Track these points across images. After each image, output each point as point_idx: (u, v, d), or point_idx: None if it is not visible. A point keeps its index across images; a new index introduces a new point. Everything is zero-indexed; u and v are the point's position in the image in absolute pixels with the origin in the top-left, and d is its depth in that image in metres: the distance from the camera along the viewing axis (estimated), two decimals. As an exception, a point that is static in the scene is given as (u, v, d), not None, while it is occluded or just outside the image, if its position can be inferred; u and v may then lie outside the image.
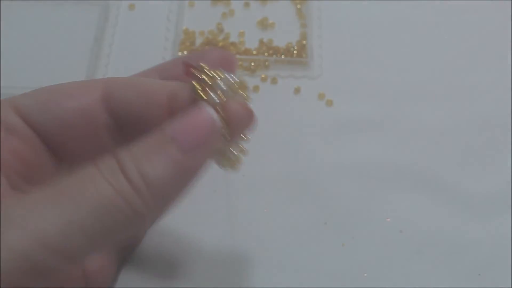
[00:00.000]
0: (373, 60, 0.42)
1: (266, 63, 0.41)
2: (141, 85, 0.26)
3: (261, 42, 0.42)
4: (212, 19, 0.44)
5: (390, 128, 0.39)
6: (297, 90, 0.41)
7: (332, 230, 0.34)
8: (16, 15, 0.43)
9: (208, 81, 0.25)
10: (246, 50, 0.42)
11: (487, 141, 0.38)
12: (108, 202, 0.22)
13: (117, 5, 0.44)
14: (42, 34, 0.42)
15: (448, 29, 0.43)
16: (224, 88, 0.25)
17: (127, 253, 0.33)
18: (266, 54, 0.42)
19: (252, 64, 0.41)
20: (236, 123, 0.25)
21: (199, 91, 0.25)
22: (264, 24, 0.44)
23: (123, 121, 0.26)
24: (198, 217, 0.35)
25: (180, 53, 0.42)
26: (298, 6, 0.45)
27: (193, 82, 0.25)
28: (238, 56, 0.42)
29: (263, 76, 0.41)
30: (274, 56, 0.42)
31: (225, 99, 0.25)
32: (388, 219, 0.35)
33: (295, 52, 0.42)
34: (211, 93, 0.25)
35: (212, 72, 0.25)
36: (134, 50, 0.42)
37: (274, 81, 0.41)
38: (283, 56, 0.42)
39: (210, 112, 0.24)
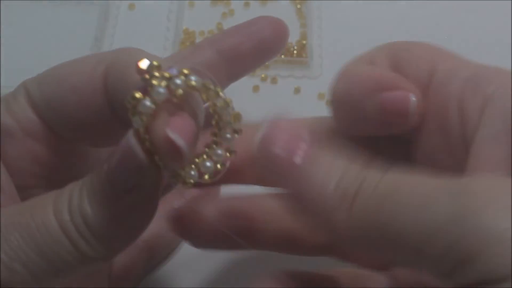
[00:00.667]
0: (373, 60, 0.42)
1: (266, 63, 0.41)
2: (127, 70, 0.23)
3: (261, 42, 0.42)
4: (212, 19, 0.44)
5: (390, 128, 0.39)
6: (297, 90, 0.41)
7: (332, 230, 0.34)
8: (16, 15, 0.43)
9: (153, 83, 0.20)
10: (246, 50, 0.42)
11: (487, 141, 0.38)
12: (53, 240, 0.21)
13: (117, 5, 0.44)
14: (42, 34, 0.42)
15: (448, 29, 0.43)
16: (161, 93, 0.19)
17: (154, 265, 0.32)
18: (266, 54, 0.42)
19: (252, 64, 0.41)
20: (161, 152, 0.20)
21: (129, 106, 0.20)
22: (264, 24, 0.44)
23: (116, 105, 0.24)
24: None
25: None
26: (298, 6, 0.45)
27: (135, 93, 0.20)
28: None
29: (263, 76, 0.41)
30: (274, 56, 0.42)
31: (147, 119, 0.20)
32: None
33: (295, 52, 0.42)
34: (143, 101, 0.19)
35: (165, 74, 0.20)
36: (134, 50, 0.42)
37: (274, 81, 0.41)
38: (283, 56, 0.42)
39: (129, 143, 0.20)
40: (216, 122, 0.21)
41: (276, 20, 0.29)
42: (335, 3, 0.45)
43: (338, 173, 0.19)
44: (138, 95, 0.19)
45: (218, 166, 0.22)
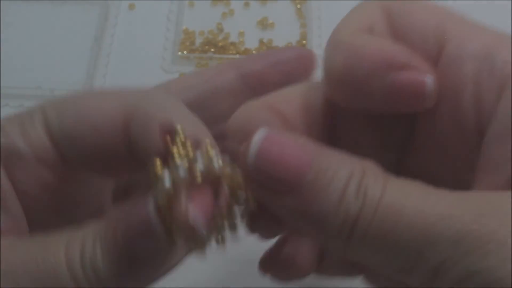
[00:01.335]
0: (373, 60, 0.42)
1: (266, 63, 0.41)
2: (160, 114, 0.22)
3: (261, 42, 0.42)
4: (212, 19, 0.44)
5: (390, 128, 0.39)
6: (297, 90, 0.41)
7: (332, 230, 0.34)
8: (16, 15, 0.43)
9: (175, 158, 0.19)
10: (246, 50, 0.42)
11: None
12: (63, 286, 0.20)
13: (117, 5, 0.44)
14: (42, 34, 0.42)
15: (448, 29, 0.43)
16: (183, 175, 0.18)
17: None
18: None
19: (252, 64, 0.41)
20: (180, 228, 0.19)
21: (152, 174, 0.19)
22: (264, 24, 0.44)
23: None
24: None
25: (180, 53, 0.42)
26: (298, 6, 0.45)
27: (157, 159, 0.19)
28: (238, 56, 0.42)
29: (263, 76, 0.41)
30: (274, 56, 0.42)
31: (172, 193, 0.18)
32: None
33: (295, 52, 0.42)
34: (162, 180, 0.18)
35: (188, 148, 0.19)
36: (134, 50, 0.42)
37: (274, 81, 0.41)
38: (283, 56, 0.42)
39: (147, 211, 0.19)
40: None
41: (303, 51, 0.28)
42: (335, 3, 0.45)
43: (340, 186, 0.17)
44: (159, 166, 0.19)
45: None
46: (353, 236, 0.17)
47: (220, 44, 0.42)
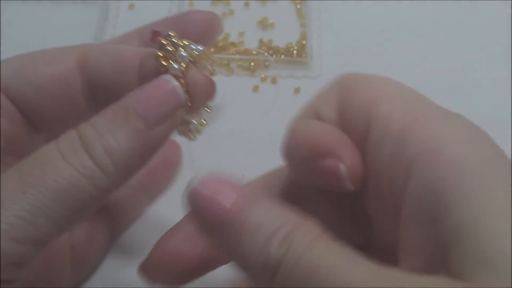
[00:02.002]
0: (373, 60, 0.42)
1: (266, 63, 0.41)
2: (115, 52, 0.26)
3: (261, 42, 0.42)
4: (212, 19, 0.44)
5: (390, 128, 0.39)
6: (297, 90, 0.41)
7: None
8: (16, 15, 0.43)
9: (171, 50, 0.25)
10: (246, 50, 0.42)
11: (487, 141, 0.38)
12: (70, 185, 0.22)
13: (117, 5, 0.44)
14: (42, 34, 0.42)
15: (448, 29, 0.43)
16: (185, 56, 0.25)
17: (118, 232, 0.33)
18: (266, 54, 0.42)
19: (252, 64, 0.41)
20: (196, 92, 0.25)
21: (160, 59, 0.25)
22: (264, 24, 0.44)
23: (98, 88, 0.26)
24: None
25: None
26: (298, 6, 0.45)
27: (157, 51, 0.25)
28: (238, 56, 0.42)
29: (263, 76, 0.41)
30: (274, 56, 0.42)
31: (185, 68, 0.25)
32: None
33: (295, 52, 0.42)
34: (172, 62, 0.24)
35: (177, 41, 0.25)
36: (134, 50, 0.42)
37: (274, 81, 0.41)
38: (283, 56, 0.42)
39: (174, 85, 0.24)
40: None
41: (207, 14, 0.30)
42: (335, 3, 0.45)
43: (267, 233, 0.19)
44: (167, 49, 0.25)
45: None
46: (275, 280, 0.19)
47: (220, 44, 0.42)
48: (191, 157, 0.32)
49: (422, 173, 0.19)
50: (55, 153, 0.22)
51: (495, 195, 0.18)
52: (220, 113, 0.39)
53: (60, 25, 0.43)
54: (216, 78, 0.41)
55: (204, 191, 0.20)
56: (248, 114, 0.39)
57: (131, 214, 0.33)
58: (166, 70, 0.25)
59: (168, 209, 0.35)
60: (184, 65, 0.25)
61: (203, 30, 0.31)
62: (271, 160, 0.37)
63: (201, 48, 0.25)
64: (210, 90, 0.25)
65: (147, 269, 0.26)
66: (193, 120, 0.26)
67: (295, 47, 0.42)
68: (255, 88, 0.41)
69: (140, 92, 0.24)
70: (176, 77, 0.24)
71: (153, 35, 0.25)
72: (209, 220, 0.20)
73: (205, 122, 0.27)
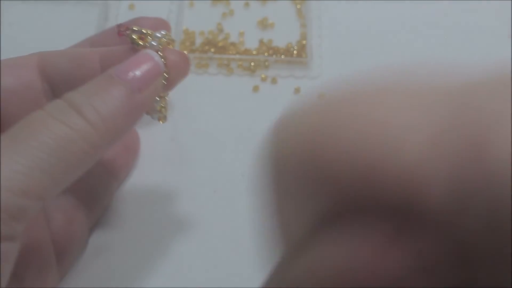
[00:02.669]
0: (373, 60, 0.42)
1: (266, 63, 0.41)
2: (72, 53, 0.28)
3: (261, 42, 0.42)
4: (212, 19, 0.44)
5: (390, 128, 0.39)
6: (297, 90, 0.41)
7: (332, 230, 0.34)
8: (16, 15, 0.43)
9: (145, 32, 0.27)
10: (246, 50, 0.42)
11: (487, 141, 0.38)
12: (64, 141, 0.23)
13: (117, 5, 0.44)
14: (42, 34, 0.42)
15: (448, 29, 0.43)
16: (159, 36, 0.27)
17: (94, 218, 0.33)
18: (266, 54, 0.42)
19: (252, 64, 0.41)
20: (174, 68, 0.27)
21: (137, 40, 0.27)
22: (264, 24, 0.44)
23: (59, 87, 0.28)
24: (198, 217, 0.35)
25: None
26: (298, 6, 0.45)
27: (132, 35, 0.27)
28: (238, 56, 0.42)
29: (263, 76, 0.41)
30: (274, 56, 0.42)
31: (161, 45, 0.27)
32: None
33: (295, 52, 0.42)
34: (151, 41, 0.27)
35: (144, 30, 0.28)
36: (134, 50, 0.42)
37: (274, 81, 0.41)
38: (283, 56, 0.42)
39: (153, 54, 0.27)
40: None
41: (155, 20, 0.32)
42: (335, 3, 0.45)
43: None
44: (142, 31, 0.28)
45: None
46: None
47: (220, 44, 0.42)
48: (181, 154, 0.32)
49: None
50: (43, 114, 0.24)
51: None
52: (220, 113, 0.39)
53: (60, 25, 0.43)
54: (216, 78, 0.42)
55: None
56: (248, 114, 0.39)
57: (103, 201, 0.34)
58: (143, 48, 0.27)
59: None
60: (161, 41, 0.27)
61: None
62: (271, 160, 0.37)
63: (165, 33, 0.28)
64: (185, 66, 0.28)
65: None
66: (156, 98, 0.28)
67: (295, 47, 0.42)
68: (255, 88, 0.41)
69: (123, 64, 0.26)
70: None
71: (119, 28, 0.28)
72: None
73: (166, 105, 0.29)
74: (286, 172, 0.17)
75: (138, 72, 0.26)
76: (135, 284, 0.32)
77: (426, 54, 0.42)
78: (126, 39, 0.28)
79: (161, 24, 0.32)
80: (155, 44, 0.27)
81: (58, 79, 0.28)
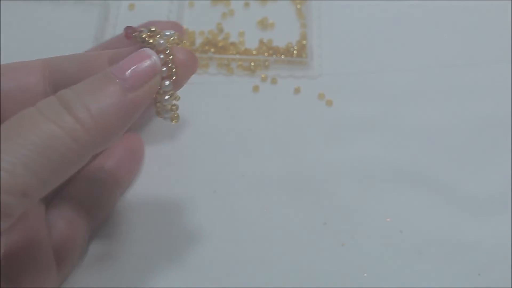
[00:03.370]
0: (373, 60, 0.42)
1: (266, 63, 0.41)
2: (79, 56, 0.28)
3: (261, 42, 0.42)
4: (212, 19, 0.44)
5: (390, 128, 0.39)
6: (297, 90, 0.41)
7: (332, 230, 0.34)
8: (16, 15, 0.43)
9: (153, 29, 0.27)
10: (246, 50, 0.42)
11: (487, 141, 0.38)
12: (51, 139, 0.23)
13: (117, 5, 0.44)
14: (42, 34, 0.42)
15: (448, 29, 0.43)
16: (168, 35, 0.27)
17: (95, 224, 0.33)
18: (266, 54, 0.42)
19: (252, 64, 0.41)
20: (182, 66, 0.27)
21: (145, 37, 0.27)
22: (264, 24, 0.44)
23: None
24: (198, 217, 0.35)
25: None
26: (298, 6, 0.45)
27: (140, 34, 0.27)
28: (238, 56, 0.42)
29: (263, 76, 0.41)
30: (274, 56, 0.42)
31: (169, 44, 0.27)
32: (388, 219, 0.35)
33: (295, 52, 0.42)
34: (158, 39, 0.27)
35: (153, 28, 0.27)
36: (134, 50, 0.42)
37: (274, 81, 0.41)
38: (283, 56, 0.42)
39: (149, 52, 0.26)
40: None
41: (169, 23, 0.33)
42: (335, 3, 0.45)
43: None
44: (151, 30, 0.27)
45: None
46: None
47: (220, 44, 0.42)
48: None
49: None
50: (33, 111, 0.23)
51: None
52: (220, 113, 0.39)
53: (60, 25, 0.43)
54: (216, 78, 0.42)
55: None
56: (248, 114, 0.39)
57: (105, 208, 0.34)
58: (152, 47, 0.27)
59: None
60: (170, 40, 0.27)
61: None
62: (271, 160, 0.37)
63: (174, 33, 0.27)
64: (193, 63, 0.28)
65: None
66: (165, 97, 0.27)
67: (295, 47, 0.42)
68: (255, 88, 0.41)
69: (120, 62, 0.26)
70: (162, 51, 0.27)
71: (127, 30, 0.27)
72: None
73: (177, 103, 0.28)
74: None
75: (132, 70, 0.25)
76: (132, 284, 0.32)
77: (426, 54, 0.42)
78: (135, 42, 0.28)
79: (174, 26, 0.32)
80: (162, 42, 0.27)
81: (65, 84, 0.27)
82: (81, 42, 0.42)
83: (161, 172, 0.36)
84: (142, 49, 0.27)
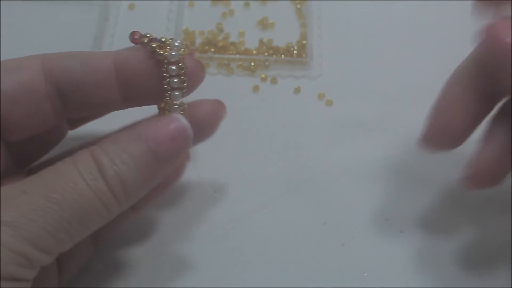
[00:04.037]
0: (373, 60, 0.42)
1: (266, 63, 0.41)
2: (83, 55, 0.27)
3: (261, 42, 0.42)
4: (212, 19, 0.44)
5: (390, 128, 0.39)
6: (297, 90, 0.41)
7: (332, 230, 0.34)
8: (16, 15, 0.43)
9: (164, 40, 0.27)
10: (246, 50, 0.42)
11: (487, 141, 0.38)
12: (87, 204, 0.24)
13: (117, 4, 0.44)
14: (42, 34, 0.42)
15: (447, 29, 0.43)
16: (178, 45, 0.27)
17: (102, 239, 0.33)
18: (266, 54, 0.42)
19: (252, 64, 0.41)
20: (193, 76, 0.27)
21: (156, 48, 0.27)
22: (264, 24, 0.44)
23: (67, 91, 0.27)
24: (198, 217, 0.35)
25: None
26: (298, 6, 0.45)
27: (151, 44, 0.27)
28: (238, 56, 0.42)
29: (263, 76, 0.41)
30: (274, 56, 0.42)
31: (182, 55, 0.27)
32: (388, 219, 0.35)
33: (295, 52, 0.42)
34: (171, 51, 0.27)
35: (163, 38, 0.27)
36: (134, 50, 0.42)
37: (274, 81, 0.41)
38: (283, 56, 0.42)
39: (185, 124, 0.26)
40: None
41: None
42: (335, 3, 0.45)
43: None
44: (161, 40, 0.27)
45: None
46: None
47: (220, 44, 0.42)
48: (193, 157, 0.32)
49: None
50: (76, 174, 0.24)
51: None
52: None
53: (60, 25, 0.43)
54: (216, 78, 0.42)
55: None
56: (248, 114, 0.39)
57: (116, 228, 0.33)
58: (164, 58, 0.27)
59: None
60: (181, 52, 0.27)
61: None
62: (271, 160, 0.37)
63: (182, 42, 0.27)
64: (201, 73, 0.28)
65: (429, 137, 0.30)
66: (174, 107, 0.28)
67: (295, 47, 0.42)
68: (255, 88, 0.41)
69: (153, 125, 0.26)
70: (174, 63, 0.27)
71: (133, 35, 0.27)
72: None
73: (186, 112, 0.28)
74: None
75: (167, 143, 0.26)
76: (132, 284, 0.32)
77: (426, 53, 0.42)
78: (141, 45, 0.27)
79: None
80: (174, 54, 0.27)
81: (67, 83, 0.27)
82: (81, 42, 0.42)
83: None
84: (174, 115, 0.26)
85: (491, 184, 0.29)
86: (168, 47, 0.27)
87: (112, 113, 0.30)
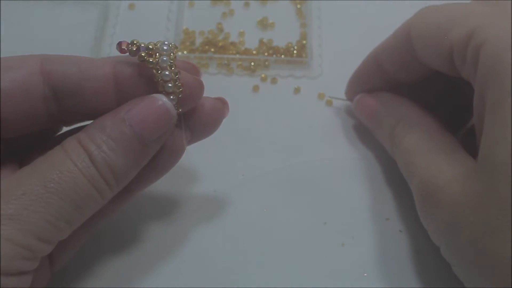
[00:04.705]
0: (373, 60, 0.42)
1: (266, 63, 0.41)
2: (82, 61, 0.27)
3: (261, 42, 0.42)
4: (212, 19, 0.44)
5: (390, 128, 0.39)
6: (297, 90, 0.41)
7: (332, 230, 0.34)
8: (16, 15, 0.43)
9: (151, 47, 0.27)
10: (246, 50, 0.42)
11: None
12: (83, 192, 0.25)
13: (117, 4, 0.44)
14: (42, 34, 0.42)
15: (448, 29, 0.43)
16: (165, 50, 0.27)
17: (91, 229, 0.32)
18: (266, 54, 0.42)
19: (252, 64, 0.41)
20: (191, 95, 0.28)
21: (146, 57, 0.27)
22: (264, 24, 0.44)
23: (63, 94, 0.27)
24: (198, 217, 0.35)
25: (180, 53, 0.42)
26: (298, 6, 0.45)
27: (140, 53, 0.27)
28: (238, 56, 0.42)
29: (263, 76, 0.41)
30: (274, 56, 0.42)
31: (174, 73, 0.27)
32: (388, 219, 0.35)
33: (295, 52, 0.42)
34: (163, 71, 0.27)
35: (147, 44, 0.27)
36: (134, 50, 0.42)
37: (274, 81, 0.41)
38: (283, 56, 0.42)
39: (168, 106, 0.27)
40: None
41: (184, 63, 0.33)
42: (335, 3, 0.45)
43: (390, 126, 0.34)
44: (149, 47, 0.27)
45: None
46: (397, 149, 0.34)
47: (220, 44, 0.42)
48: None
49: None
50: (69, 163, 0.25)
51: None
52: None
53: (60, 25, 0.43)
54: (216, 78, 0.42)
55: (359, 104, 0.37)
56: (248, 114, 0.39)
57: (109, 213, 0.32)
58: (155, 66, 0.26)
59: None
60: (174, 71, 0.27)
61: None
62: (271, 160, 0.37)
63: (171, 44, 0.27)
64: (199, 91, 0.29)
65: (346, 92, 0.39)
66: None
67: (295, 47, 0.42)
68: (255, 88, 0.41)
69: (136, 109, 0.26)
70: (166, 68, 0.27)
71: (120, 46, 0.27)
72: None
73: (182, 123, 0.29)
74: None
75: (151, 126, 0.26)
76: (132, 284, 0.32)
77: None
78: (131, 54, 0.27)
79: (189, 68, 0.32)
80: (165, 59, 0.26)
81: (65, 88, 0.27)
82: (81, 42, 0.42)
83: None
84: (156, 96, 0.27)
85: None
86: (157, 54, 0.27)
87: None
